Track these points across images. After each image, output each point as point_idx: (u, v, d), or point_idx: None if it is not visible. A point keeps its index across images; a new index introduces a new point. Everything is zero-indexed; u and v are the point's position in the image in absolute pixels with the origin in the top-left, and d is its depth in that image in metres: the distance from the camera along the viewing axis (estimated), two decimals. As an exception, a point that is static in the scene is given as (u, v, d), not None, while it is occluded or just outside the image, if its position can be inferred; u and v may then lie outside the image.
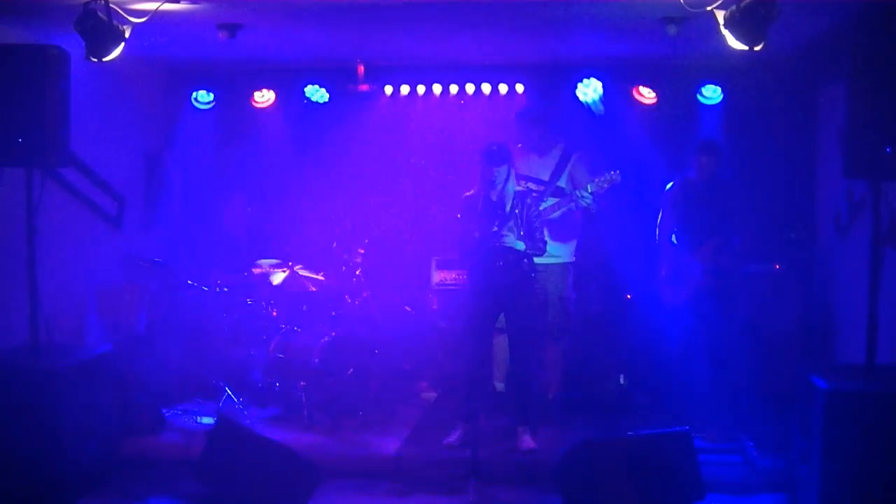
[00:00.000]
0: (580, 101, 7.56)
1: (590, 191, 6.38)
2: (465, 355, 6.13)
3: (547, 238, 6.25)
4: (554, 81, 7.67)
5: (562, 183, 6.60)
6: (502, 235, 5.81)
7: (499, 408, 6.51)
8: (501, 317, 6.05)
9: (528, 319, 6.05)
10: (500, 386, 6.91)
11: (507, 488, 5.54)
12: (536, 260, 6.05)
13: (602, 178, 6.38)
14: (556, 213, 6.50)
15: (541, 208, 6.26)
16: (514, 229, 5.85)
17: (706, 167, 6.47)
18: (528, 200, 5.98)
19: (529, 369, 6.09)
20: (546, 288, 6.49)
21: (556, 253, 6.55)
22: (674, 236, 6.57)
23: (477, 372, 6.07)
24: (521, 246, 5.87)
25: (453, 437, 5.99)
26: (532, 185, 6.54)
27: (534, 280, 6.02)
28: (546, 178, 6.60)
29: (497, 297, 5.89)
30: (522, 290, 5.95)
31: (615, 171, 6.39)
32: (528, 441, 5.95)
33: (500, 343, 6.42)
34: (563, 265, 6.71)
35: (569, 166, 6.62)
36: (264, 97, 8.02)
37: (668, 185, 6.66)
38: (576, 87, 7.51)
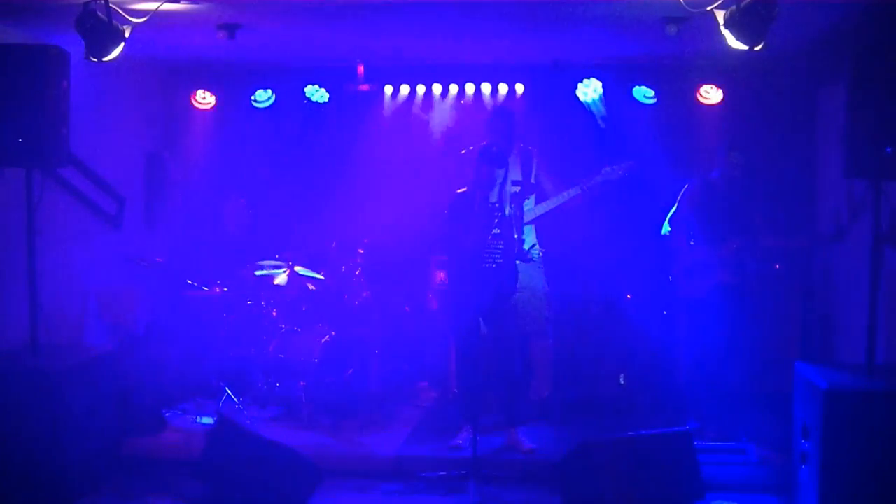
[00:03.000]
0: (580, 101, 7.56)
1: (600, 180, 6.39)
2: (463, 356, 6.12)
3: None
4: (554, 81, 7.67)
5: (533, 180, 6.58)
6: (500, 237, 5.81)
7: (487, 409, 6.51)
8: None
9: (513, 318, 6.05)
10: None
11: (507, 488, 5.54)
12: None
13: (616, 167, 6.38)
14: (554, 204, 6.51)
15: (525, 207, 6.27)
16: (510, 230, 5.86)
17: (736, 166, 6.45)
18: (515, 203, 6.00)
19: (517, 370, 6.10)
20: (526, 285, 6.46)
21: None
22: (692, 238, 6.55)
23: (476, 372, 6.06)
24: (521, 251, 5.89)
25: (461, 439, 5.97)
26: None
27: (517, 280, 5.99)
28: (519, 177, 6.52)
29: (487, 297, 5.88)
30: (511, 291, 5.95)
31: (629, 161, 6.42)
32: (525, 440, 5.96)
33: None
34: (540, 260, 6.71)
35: (533, 165, 6.61)
36: (264, 97, 8.02)
37: (686, 185, 6.63)
38: (576, 88, 7.51)
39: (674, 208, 6.58)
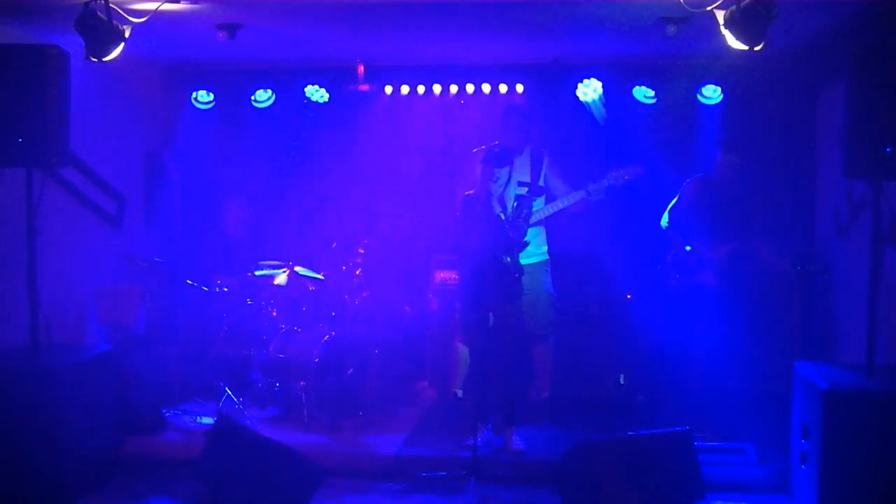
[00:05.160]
0: (580, 101, 7.56)
1: (606, 184, 6.37)
2: (477, 356, 6.12)
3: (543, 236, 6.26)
4: (554, 81, 7.67)
5: (541, 182, 6.56)
6: (501, 237, 5.81)
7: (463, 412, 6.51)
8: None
9: (517, 321, 6.05)
10: (460, 392, 6.92)
11: (506, 488, 5.54)
12: (524, 259, 6.08)
13: (622, 171, 6.36)
14: (560, 206, 6.50)
15: (534, 209, 6.27)
16: (513, 230, 5.86)
17: (731, 166, 6.44)
18: (524, 204, 5.99)
19: (514, 371, 6.10)
20: (532, 286, 6.47)
21: (539, 250, 6.55)
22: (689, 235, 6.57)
23: (487, 372, 6.06)
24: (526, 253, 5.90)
25: (479, 438, 5.86)
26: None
27: (520, 280, 5.99)
28: (527, 179, 6.52)
29: (490, 297, 5.87)
30: (513, 292, 5.95)
31: (636, 165, 6.40)
32: (517, 441, 5.96)
33: (463, 351, 6.51)
34: (545, 262, 6.70)
35: (544, 166, 6.59)
36: (264, 97, 8.02)
37: (687, 181, 6.63)
38: (576, 87, 7.51)
39: (674, 200, 6.60)
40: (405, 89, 7.97)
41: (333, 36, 6.67)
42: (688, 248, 6.43)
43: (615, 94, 7.52)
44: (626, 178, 6.40)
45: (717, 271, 6.38)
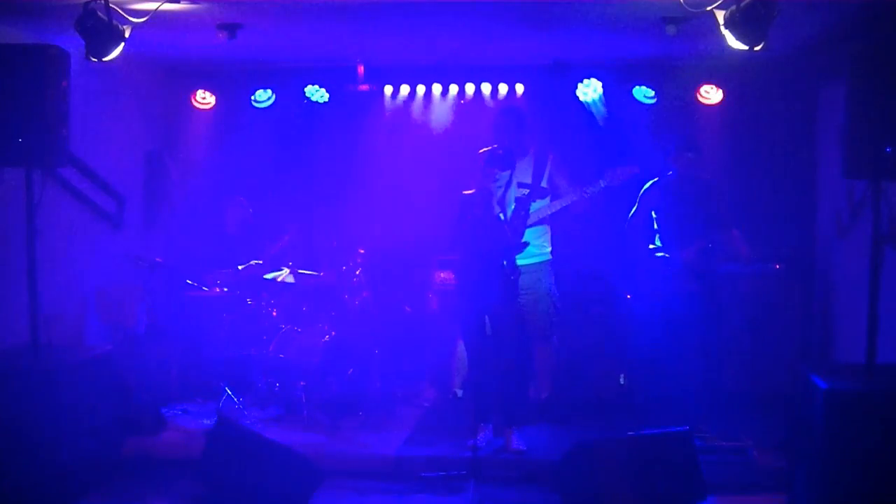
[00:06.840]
0: (580, 101, 7.56)
1: (603, 185, 6.36)
2: (475, 357, 6.12)
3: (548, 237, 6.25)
4: (554, 81, 7.67)
5: (544, 183, 6.56)
6: (499, 239, 5.81)
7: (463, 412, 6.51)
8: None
9: (516, 321, 6.05)
10: (459, 392, 6.89)
11: (507, 488, 5.54)
12: (526, 259, 6.08)
13: (618, 171, 6.35)
14: (557, 207, 6.50)
15: (531, 210, 6.27)
16: (511, 232, 5.86)
17: (690, 164, 6.42)
18: (522, 207, 6.00)
19: (514, 371, 6.10)
20: (534, 287, 6.46)
21: (541, 251, 6.54)
22: (657, 238, 6.56)
23: (487, 372, 6.06)
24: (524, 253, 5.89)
25: (476, 438, 5.87)
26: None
27: (517, 283, 5.98)
28: (528, 180, 6.50)
29: (487, 298, 5.87)
30: (510, 292, 5.94)
31: (632, 165, 6.38)
32: (517, 441, 5.96)
33: (461, 350, 6.51)
34: (548, 262, 6.70)
35: (547, 167, 6.58)
36: (264, 97, 8.02)
37: (647, 184, 6.61)
38: (576, 88, 7.51)
39: (634, 208, 6.59)
40: (405, 89, 7.98)
41: (333, 36, 6.67)
42: (653, 244, 6.44)
43: (615, 94, 7.52)
44: (623, 178, 6.40)
45: (689, 271, 6.34)
